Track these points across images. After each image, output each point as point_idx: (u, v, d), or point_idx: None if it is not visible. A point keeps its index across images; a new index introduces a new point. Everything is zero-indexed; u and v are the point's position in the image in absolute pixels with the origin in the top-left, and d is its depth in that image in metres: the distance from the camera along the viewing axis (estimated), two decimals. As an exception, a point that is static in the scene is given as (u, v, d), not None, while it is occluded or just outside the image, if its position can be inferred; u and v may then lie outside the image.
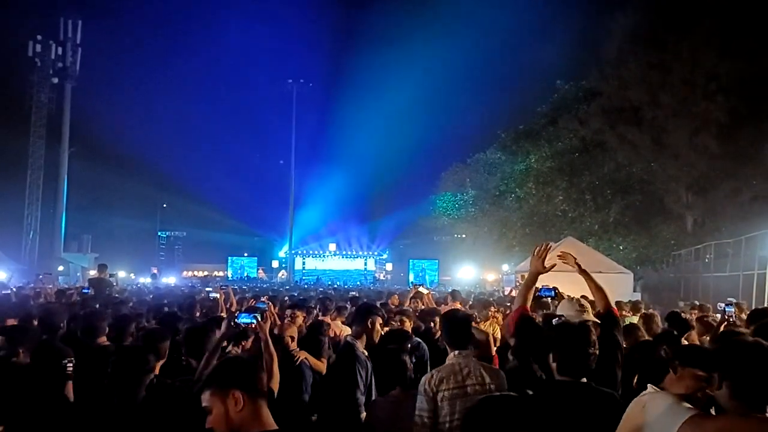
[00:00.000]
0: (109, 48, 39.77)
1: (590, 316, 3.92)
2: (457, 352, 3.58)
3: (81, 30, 35.18)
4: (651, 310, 7.81)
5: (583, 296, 7.79)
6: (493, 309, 7.47)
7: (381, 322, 4.18)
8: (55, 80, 34.56)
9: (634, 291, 17.89)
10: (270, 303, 4.81)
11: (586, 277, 4.02)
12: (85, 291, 9.91)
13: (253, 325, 3.53)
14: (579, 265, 4.01)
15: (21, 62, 33.95)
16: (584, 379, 2.91)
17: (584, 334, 2.96)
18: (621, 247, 23.93)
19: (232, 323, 3.56)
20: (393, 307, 7.60)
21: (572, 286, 7.12)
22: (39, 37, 33.89)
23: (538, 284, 6.89)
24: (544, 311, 5.18)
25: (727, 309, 6.69)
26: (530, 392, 3.08)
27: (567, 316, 3.91)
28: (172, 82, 45.81)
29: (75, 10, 35.48)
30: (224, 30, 46.85)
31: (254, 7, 47.93)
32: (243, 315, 3.63)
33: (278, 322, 4.97)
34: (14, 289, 15.18)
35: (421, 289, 9.07)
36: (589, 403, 2.81)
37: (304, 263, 45.49)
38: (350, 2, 50.29)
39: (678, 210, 24.09)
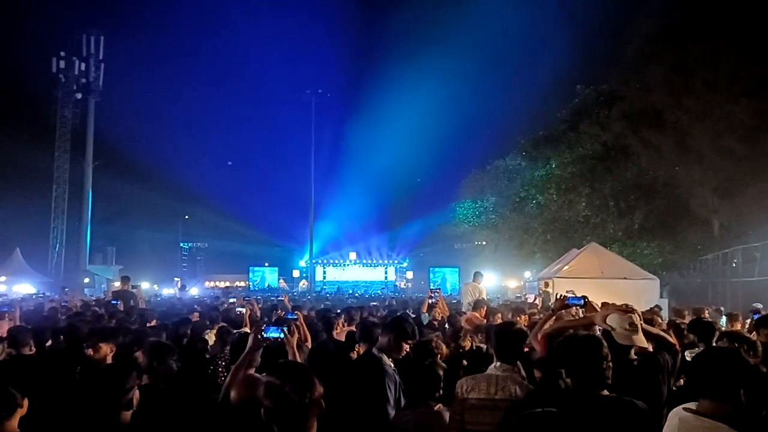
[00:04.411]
0: (131, 63, 40.39)
1: (641, 337, 3.77)
2: (499, 363, 3.56)
3: (103, 46, 35.81)
4: (681, 320, 7.62)
5: (604, 303, 7.65)
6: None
7: (411, 344, 4.16)
8: (79, 96, 35.15)
9: (661, 297, 17.61)
10: (299, 314, 4.76)
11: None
12: (114, 303, 10.06)
13: (280, 339, 3.48)
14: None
15: (45, 79, 34.69)
16: (605, 392, 2.80)
17: (595, 348, 2.85)
18: (645, 252, 23.55)
19: (260, 336, 3.51)
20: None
21: (594, 293, 7.01)
22: (62, 54, 34.56)
23: (566, 293, 6.80)
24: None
25: (755, 318, 6.50)
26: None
27: (617, 330, 3.79)
28: (193, 95, 46.47)
29: (97, 27, 36.14)
30: (243, 42, 47.20)
31: (273, 19, 48.34)
32: (270, 328, 3.54)
33: (307, 336, 4.93)
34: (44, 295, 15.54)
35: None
36: (612, 415, 2.73)
37: (324, 273, 45.51)
38: (367, 11, 50.45)
39: (704, 214, 23.64)
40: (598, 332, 3.89)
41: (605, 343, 2.95)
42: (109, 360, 4.49)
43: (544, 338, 3.70)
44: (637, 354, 3.74)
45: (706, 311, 9.83)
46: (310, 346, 4.98)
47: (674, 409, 2.64)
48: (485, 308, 8.85)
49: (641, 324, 3.85)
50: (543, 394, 3.36)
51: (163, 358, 4.14)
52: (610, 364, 2.82)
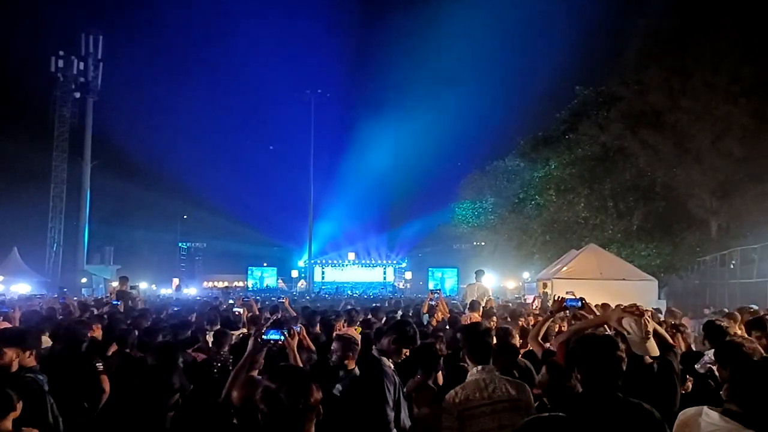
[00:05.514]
0: (129, 62, 40.33)
1: (654, 345, 3.78)
2: (480, 367, 3.50)
3: (102, 45, 35.79)
4: (680, 321, 7.63)
5: (605, 304, 7.64)
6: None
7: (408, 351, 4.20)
8: (78, 95, 35.14)
9: (659, 298, 17.63)
10: (302, 327, 4.75)
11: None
12: (115, 303, 10.08)
13: (281, 342, 3.47)
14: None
15: (44, 78, 34.69)
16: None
17: (611, 349, 2.83)
18: (644, 254, 23.57)
19: (259, 339, 3.48)
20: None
21: (592, 294, 7.02)
22: (61, 53, 34.53)
23: (564, 294, 6.81)
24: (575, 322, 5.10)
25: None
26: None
27: (633, 337, 3.80)
28: (192, 94, 46.38)
29: (96, 26, 36.12)
30: (243, 42, 47.19)
31: (273, 19, 48.35)
32: (271, 331, 3.52)
33: (311, 346, 4.92)
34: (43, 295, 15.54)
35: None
36: (621, 417, 2.74)
37: (323, 273, 45.48)
38: (367, 11, 50.49)
39: (702, 215, 23.66)
40: (608, 332, 3.91)
41: (622, 346, 2.94)
42: (15, 366, 3.86)
43: (562, 344, 3.69)
44: (651, 357, 3.78)
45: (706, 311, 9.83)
46: (315, 352, 4.98)
47: (696, 408, 2.63)
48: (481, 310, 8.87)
49: (654, 325, 3.88)
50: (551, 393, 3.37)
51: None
52: (624, 367, 2.82)
